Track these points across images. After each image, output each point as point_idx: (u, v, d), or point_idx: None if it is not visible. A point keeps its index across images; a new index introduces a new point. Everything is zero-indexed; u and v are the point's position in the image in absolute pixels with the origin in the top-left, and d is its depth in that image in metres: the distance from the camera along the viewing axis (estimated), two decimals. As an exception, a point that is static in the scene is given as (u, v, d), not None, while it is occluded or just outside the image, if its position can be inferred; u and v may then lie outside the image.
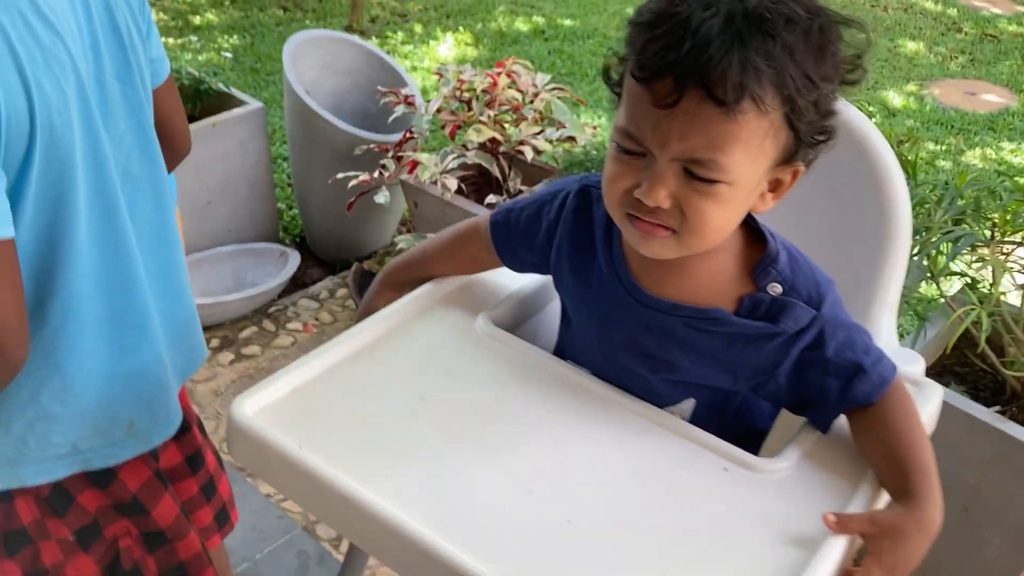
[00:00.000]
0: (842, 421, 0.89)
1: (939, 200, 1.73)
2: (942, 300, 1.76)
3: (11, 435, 0.96)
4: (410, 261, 1.07)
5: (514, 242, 0.99)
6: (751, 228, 0.87)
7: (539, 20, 4.78)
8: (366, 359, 0.96)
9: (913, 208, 1.76)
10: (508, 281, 1.08)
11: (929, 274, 1.72)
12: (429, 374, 0.95)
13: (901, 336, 1.74)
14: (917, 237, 1.71)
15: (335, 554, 1.88)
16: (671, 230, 0.78)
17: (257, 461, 0.87)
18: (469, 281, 1.07)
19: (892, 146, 1.74)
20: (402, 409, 0.90)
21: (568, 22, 4.78)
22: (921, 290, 1.73)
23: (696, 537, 0.79)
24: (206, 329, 2.44)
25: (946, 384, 1.67)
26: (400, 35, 4.48)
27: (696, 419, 0.92)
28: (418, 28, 4.59)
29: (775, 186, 0.82)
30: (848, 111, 1.04)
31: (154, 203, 1.03)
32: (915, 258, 1.72)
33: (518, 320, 1.06)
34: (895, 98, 3.96)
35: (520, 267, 1.02)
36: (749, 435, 0.97)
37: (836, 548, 0.77)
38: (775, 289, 0.85)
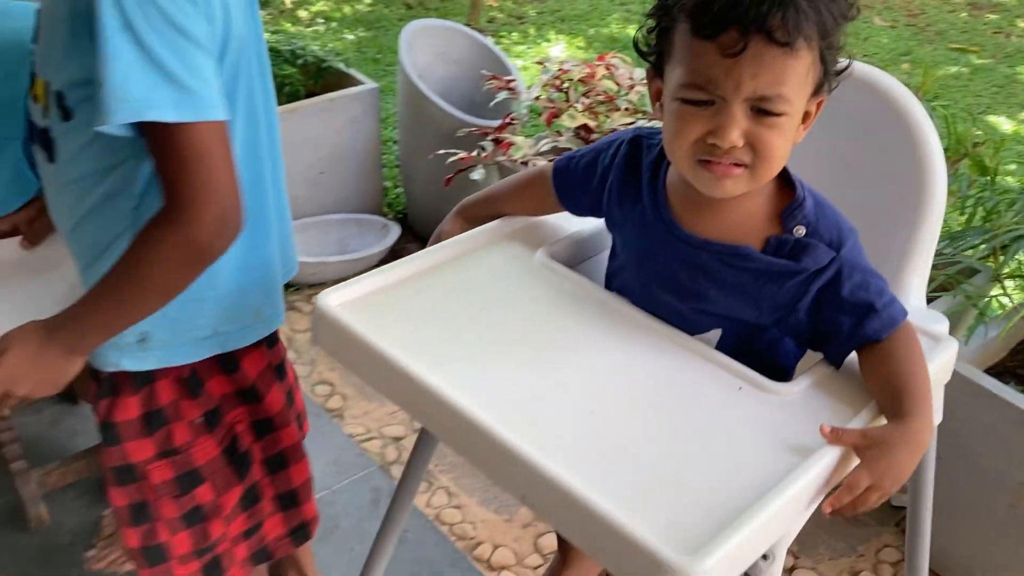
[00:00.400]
0: (853, 360, 0.99)
1: (1011, 203, 1.77)
2: (1007, 301, 1.80)
3: (167, 318, 1.11)
4: (483, 197, 1.21)
5: (573, 186, 1.11)
6: (782, 175, 0.97)
7: (651, 29, 4.88)
8: (435, 275, 1.10)
9: (987, 213, 1.81)
10: (568, 224, 1.20)
11: (995, 275, 1.76)
12: (487, 292, 1.08)
13: (967, 334, 1.78)
14: (986, 237, 1.76)
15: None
16: (744, 167, 0.89)
17: (335, 344, 1.02)
18: (533, 222, 1.20)
19: (967, 147, 1.80)
20: (461, 315, 1.04)
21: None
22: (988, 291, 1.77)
23: (703, 436, 0.90)
24: (310, 286, 2.65)
25: (1005, 383, 1.71)
26: (515, 35, 4.66)
27: (722, 350, 1.03)
28: (532, 30, 4.76)
29: (804, 117, 0.92)
30: (893, 85, 1.13)
31: (270, 117, 1.18)
32: (981, 259, 1.77)
33: (574, 260, 1.18)
34: (1006, 124, 3.91)
35: (577, 209, 1.14)
36: (773, 373, 1.07)
37: (827, 456, 0.86)
38: (800, 231, 0.95)
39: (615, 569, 0.80)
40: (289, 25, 4.57)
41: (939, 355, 1.03)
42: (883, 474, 0.85)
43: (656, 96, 0.96)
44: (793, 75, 0.85)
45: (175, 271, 1.02)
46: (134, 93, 0.91)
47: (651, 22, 0.93)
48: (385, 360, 0.96)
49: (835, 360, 0.99)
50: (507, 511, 2.00)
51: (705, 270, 0.99)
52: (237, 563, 1.37)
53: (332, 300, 1.03)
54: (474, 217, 1.20)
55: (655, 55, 0.94)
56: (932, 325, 1.07)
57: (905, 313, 0.96)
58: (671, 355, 1.00)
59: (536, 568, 1.91)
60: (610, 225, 1.09)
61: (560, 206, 1.15)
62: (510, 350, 1.00)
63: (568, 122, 2.30)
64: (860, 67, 1.16)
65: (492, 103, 2.59)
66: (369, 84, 2.84)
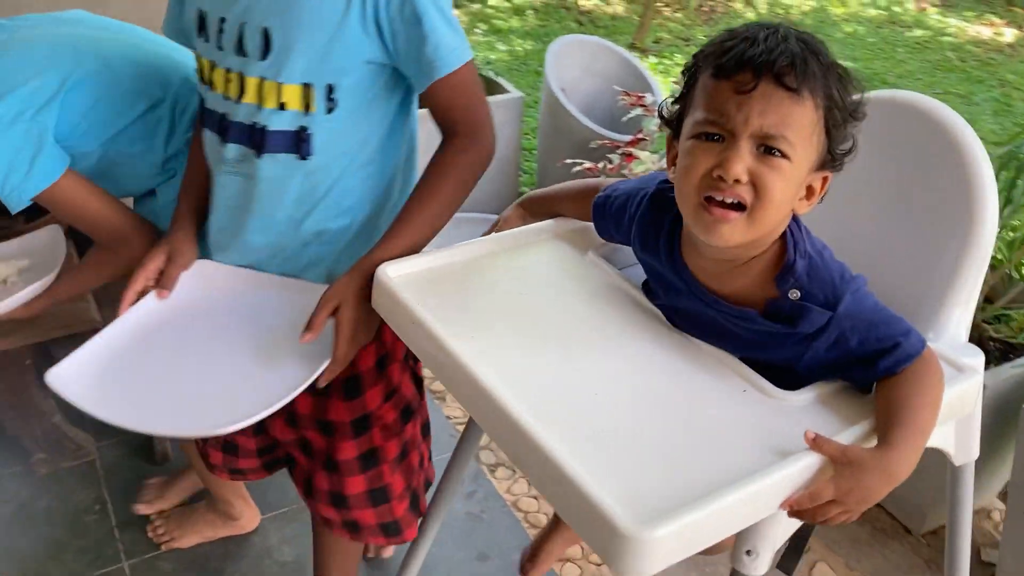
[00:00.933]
0: (871, 379, 1.01)
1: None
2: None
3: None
4: (545, 195, 1.30)
5: (607, 222, 1.19)
6: (784, 241, 1.01)
7: (819, 58, 4.80)
8: (489, 261, 1.21)
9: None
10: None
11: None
12: (532, 280, 1.18)
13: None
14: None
15: (488, 476, 2.16)
16: (742, 210, 0.94)
17: (388, 310, 1.15)
18: (588, 226, 1.28)
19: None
20: (501, 298, 1.15)
21: (849, 64, 4.73)
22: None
23: (693, 427, 0.96)
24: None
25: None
26: (677, 57, 4.71)
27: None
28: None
29: (810, 192, 0.98)
30: (942, 111, 1.14)
31: None
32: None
33: (623, 262, 1.25)
34: None
35: (609, 239, 1.22)
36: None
37: (803, 461, 0.90)
38: (794, 295, 0.99)
39: (578, 530, 0.88)
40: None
41: (958, 385, 1.04)
42: (848, 492, 0.88)
43: (672, 161, 1.02)
44: (797, 122, 0.91)
45: (469, 185, 1.26)
46: (452, 46, 1.18)
47: (678, 87, 1.02)
48: (423, 327, 1.07)
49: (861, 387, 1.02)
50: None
51: (716, 322, 1.05)
52: (423, 496, 1.54)
53: (391, 271, 1.16)
54: (534, 211, 1.29)
55: (676, 120, 1.01)
56: (964, 358, 1.08)
57: (922, 345, 0.98)
58: (687, 356, 1.06)
59: (600, 565, 1.97)
60: (641, 262, 1.15)
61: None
62: (536, 333, 1.09)
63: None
64: (908, 94, 1.18)
65: (624, 118, 2.67)
66: (514, 93, 2.98)
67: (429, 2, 1.16)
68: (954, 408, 1.05)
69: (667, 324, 1.10)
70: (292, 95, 1.20)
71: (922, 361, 0.97)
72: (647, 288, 1.15)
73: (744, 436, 0.96)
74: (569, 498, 0.87)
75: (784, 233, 1.01)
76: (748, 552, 1.02)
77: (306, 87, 1.20)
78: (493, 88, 3.01)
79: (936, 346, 1.08)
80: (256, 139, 1.24)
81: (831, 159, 0.97)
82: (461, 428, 2.28)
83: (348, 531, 1.48)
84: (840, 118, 0.95)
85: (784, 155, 0.92)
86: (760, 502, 0.89)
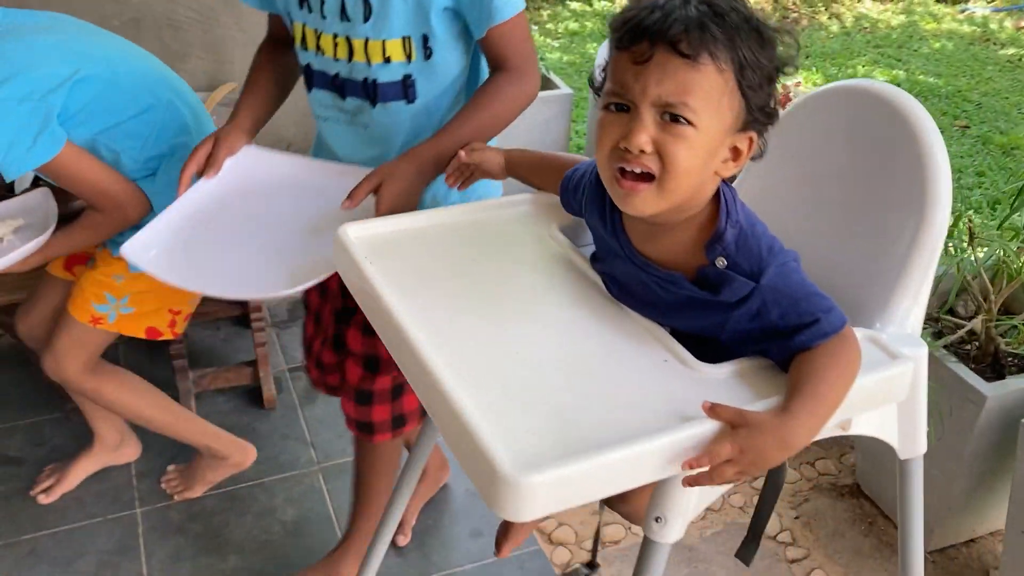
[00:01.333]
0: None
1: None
2: None
3: None
4: (529, 157, 1.34)
5: (568, 194, 1.22)
6: (718, 207, 1.02)
7: (899, 73, 4.69)
8: (453, 228, 1.25)
9: None
10: (591, 205, 1.30)
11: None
12: (490, 249, 1.21)
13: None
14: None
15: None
16: (651, 180, 0.96)
17: (345, 268, 1.20)
18: (556, 202, 1.30)
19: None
20: (455, 263, 1.18)
21: (931, 80, 4.63)
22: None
23: (603, 389, 0.97)
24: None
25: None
26: (750, 66, 4.66)
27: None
28: (772, 63, 4.72)
29: (736, 154, 0.98)
30: (901, 97, 1.13)
31: None
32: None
33: (584, 241, 1.27)
34: None
35: (571, 212, 1.24)
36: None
37: (697, 428, 0.90)
38: (721, 263, 1.00)
39: (468, 472, 0.92)
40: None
41: (887, 370, 1.02)
42: (744, 451, 0.89)
43: None
44: (698, 88, 0.91)
45: (512, 112, 1.43)
46: None
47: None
48: (370, 287, 1.12)
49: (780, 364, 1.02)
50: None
51: (647, 287, 1.07)
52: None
53: (351, 232, 1.21)
54: (513, 164, 1.34)
55: (599, 90, 1.02)
56: (903, 347, 1.06)
57: (841, 324, 0.98)
58: (616, 325, 1.08)
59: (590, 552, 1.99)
60: (589, 226, 1.18)
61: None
62: (476, 296, 1.12)
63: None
64: (867, 81, 1.18)
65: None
66: (564, 90, 3.02)
67: None
68: (881, 393, 1.04)
69: (606, 296, 1.12)
70: (395, 49, 1.40)
71: (839, 338, 0.97)
72: (594, 257, 1.18)
73: (654, 402, 0.97)
74: (462, 441, 0.91)
75: (718, 202, 1.02)
76: (657, 519, 1.03)
77: (405, 39, 1.39)
78: (544, 84, 3.06)
79: (875, 333, 1.08)
80: (370, 92, 1.44)
81: (753, 119, 0.96)
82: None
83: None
84: (756, 78, 0.93)
85: (688, 122, 0.93)
86: (648, 462, 0.90)
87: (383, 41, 1.39)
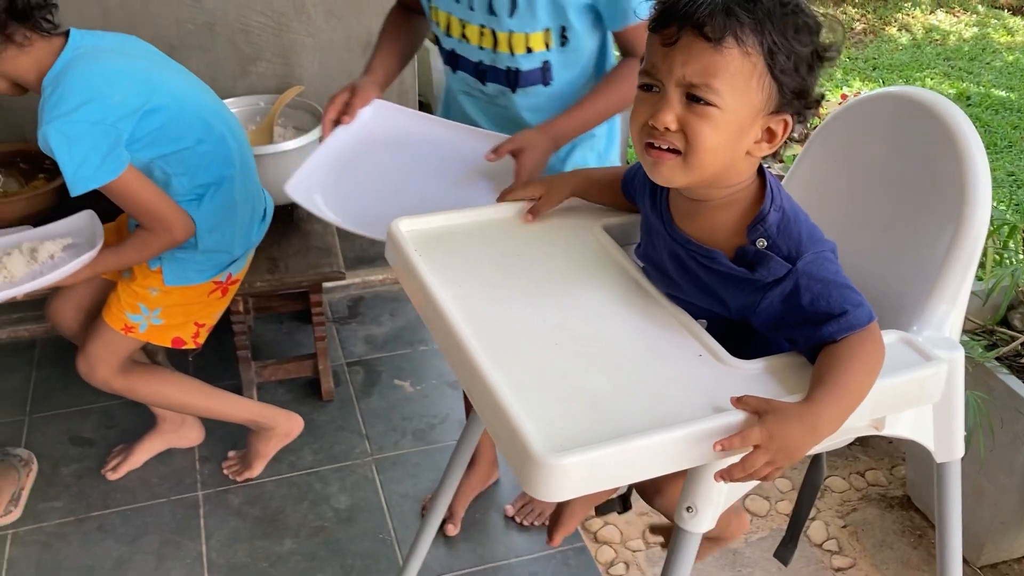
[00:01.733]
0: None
1: None
2: None
3: None
4: (592, 175, 1.36)
5: (628, 184, 1.27)
6: (763, 188, 1.05)
7: (969, 86, 4.60)
8: (500, 225, 1.30)
9: None
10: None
11: None
12: (534, 244, 1.26)
13: None
14: None
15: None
16: (677, 153, 1.00)
17: (394, 259, 1.26)
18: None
19: None
20: (499, 257, 1.23)
21: (1002, 93, 4.53)
22: None
23: (637, 380, 1.01)
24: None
25: None
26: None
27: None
28: (839, 74, 4.69)
29: (770, 136, 1.01)
30: (942, 104, 1.15)
31: None
32: None
33: (630, 239, 1.31)
34: None
35: (629, 199, 1.29)
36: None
37: (728, 418, 0.94)
38: (761, 243, 1.03)
39: (502, 451, 0.96)
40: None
41: (919, 371, 1.04)
42: (773, 436, 0.91)
43: None
44: (723, 71, 0.95)
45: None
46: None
47: None
48: (417, 276, 1.18)
49: (807, 356, 1.05)
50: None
51: (684, 265, 1.10)
52: None
53: (403, 226, 1.27)
54: (580, 191, 1.34)
55: None
56: (938, 349, 1.08)
57: (869, 319, 1.00)
58: (654, 319, 1.11)
59: (635, 552, 2.01)
60: (641, 219, 1.22)
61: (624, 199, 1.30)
62: (517, 287, 1.17)
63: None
64: (911, 89, 1.19)
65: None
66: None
67: None
68: (914, 393, 1.05)
69: (646, 292, 1.16)
70: (536, 40, 1.54)
71: (865, 332, 0.99)
72: (637, 248, 1.22)
73: (687, 394, 1.00)
74: (499, 423, 0.95)
75: (764, 186, 1.06)
76: (688, 508, 1.07)
77: (546, 31, 1.53)
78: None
79: (910, 335, 1.09)
80: (512, 79, 1.59)
81: (787, 102, 0.99)
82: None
83: None
84: (788, 62, 0.96)
85: (711, 103, 0.97)
86: (677, 449, 0.94)
87: (527, 34, 1.53)
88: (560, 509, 1.76)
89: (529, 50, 1.55)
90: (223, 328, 2.25)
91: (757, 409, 0.94)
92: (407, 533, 2.03)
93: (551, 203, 1.32)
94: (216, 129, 1.76)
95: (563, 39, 1.55)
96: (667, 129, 0.99)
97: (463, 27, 1.57)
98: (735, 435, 0.93)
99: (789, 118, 1.00)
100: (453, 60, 1.64)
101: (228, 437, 2.24)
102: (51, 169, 2.28)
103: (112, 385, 1.92)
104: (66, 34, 1.64)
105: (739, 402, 0.95)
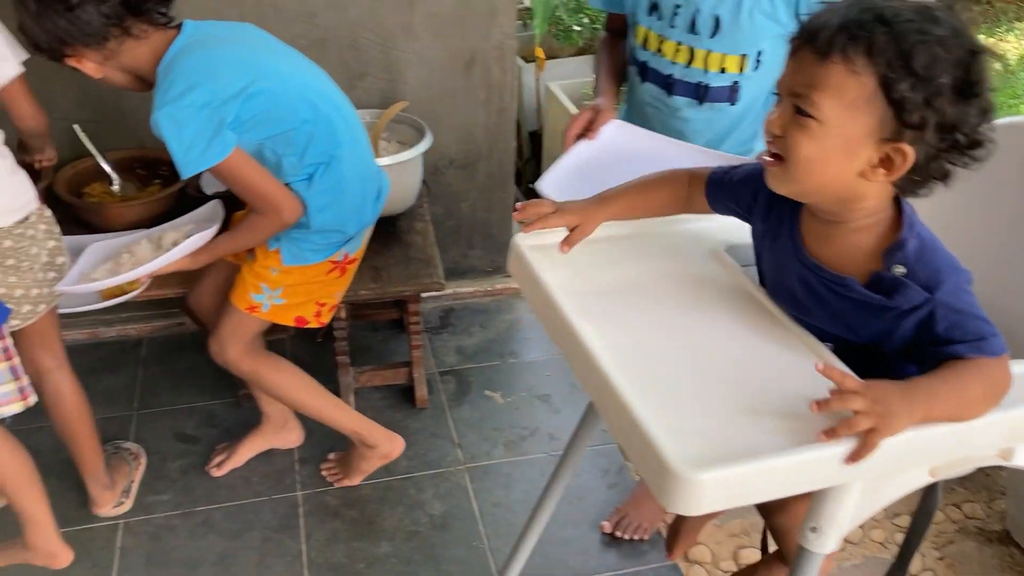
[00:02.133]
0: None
1: None
2: None
3: None
4: (626, 193, 1.32)
5: (724, 193, 1.25)
6: (899, 216, 1.06)
7: (1068, 113, 4.48)
8: (621, 241, 1.33)
9: None
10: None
11: None
12: (655, 262, 1.28)
13: None
14: None
15: (632, 474, 2.25)
16: (779, 161, 1.04)
17: (518, 275, 1.30)
18: (723, 222, 1.36)
19: None
20: (621, 272, 1.26)
21: (1103, 120, 4.40)
22: None
23: (770, 398, 1.03)
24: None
25: None
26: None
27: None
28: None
29: (887, 164, 1.00)
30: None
31: None
32: None
33: (744, 261, 1.33)
34: None
35: (721, 210, 1.27)
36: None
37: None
38: (898, 270, 1.04)
39: (638, 467, 0.99)
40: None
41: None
42: (876, 402, 0.93)
43: None
44: (824, 85, 0.97)
45: None
46: None
47: None
48: (544, 292, 1.21)
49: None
50: (723, 518, 2.12)
51: (814, 290, 1.12)
52: None
53: (525, 241, 1.31)
54: (614, 214, 1.31)
55: None
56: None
57: (1002, 351, 1.00)
58: (781, 340, 1.13)
59: (725, 573, 2.02)
60: (754, 235, 1.23)
61: (700, 205, 1.29)
62: (645, 304, 1.20)
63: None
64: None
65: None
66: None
67: None
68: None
69: (770, 312, 1.17)
70: (732, 62, 1.68)
71: (996, 361, 0.99)
72: (758, 267, 1.24)
73: (819, 416, 1.02)
74: (633, 437, 0.98)
75: (901, 212, 1.06)
76: (813, 529, 1.08)
77: (743, 56, 1.66)
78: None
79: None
80: (700, 93, 1.73)
81: (904, 130, 0.97)
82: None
83: None
84: (913, 92, 0.94)
85: (809, 114, 0.99)
86: (813, 470, 0.95)
87: (724, 55, 1.66)
88: (680, 524, 1.78)
89: (723, 70, 1.69)
90: (324, 333, 2.32)
91: (842, 383, 0.95)
92: (500, 542, 2.06)
93: (586, 232, 1.29)
94: (322, 110, 1.78)
95: (757, 63, 1.67)
96: (776, 136, 1.03)
97: (660, 42, 1.74)
98: (834, 398, 0.94)
99: (908, 148, 0.98)
100: (644, 72, 1.82)
101: (326, 440, 2.31)
102: (167, 175, 2.38)
103: (240, 366, 1.98)
104: (180, 26, 1.72)
105: (826, 370, 0.96)
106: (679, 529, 1.64)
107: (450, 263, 2.82)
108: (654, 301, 1.22)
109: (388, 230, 2.35)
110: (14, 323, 1.79)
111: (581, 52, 3.72)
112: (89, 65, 1.68)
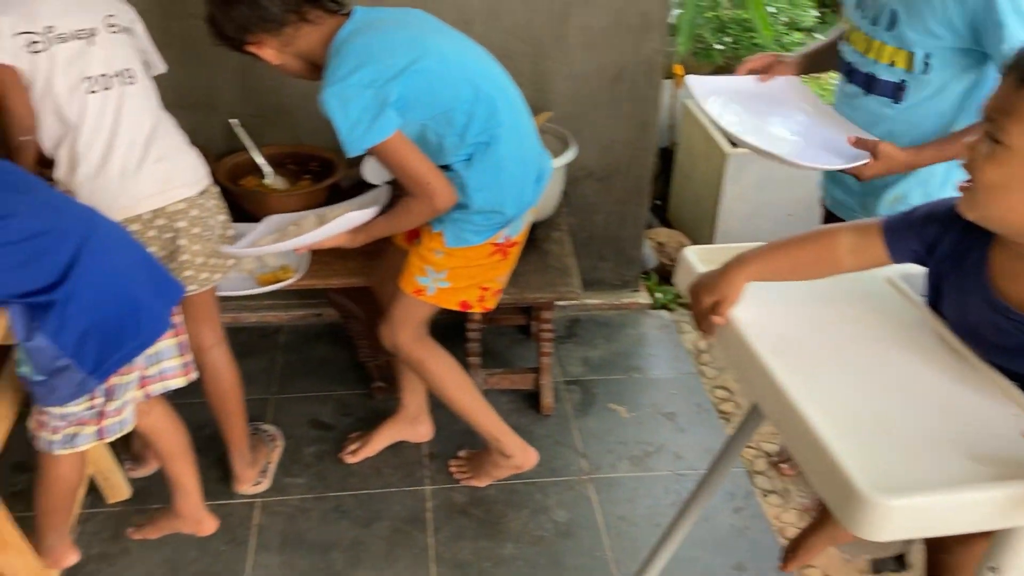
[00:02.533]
0: None
1: None
2: None
3: None
4: (775, 254, 1.23)
5: (905, 235, 1.18)
6: None
7: None
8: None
9: None
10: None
11: None
12: (831, 287, 1.27)
13: None
14: None
15: (759, 499, 2.22)
16: (969, 186, 1.04)
17: (686, 285, 1.31)
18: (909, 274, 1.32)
19: None
20: (804, 297, 1.25)
21: None
22: None
23: (959, 432, 1.02)
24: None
25: None
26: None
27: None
28: None
29: None
30: None
31: None
32: None
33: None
34: None
35: (901, 255, 1.19)
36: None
37: None
38: None
39: (820, 489, 0.98)
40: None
41: None
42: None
43: None
44: (1015, 111, 0.96)
45: None
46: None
47: None
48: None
49: None
50: (852, 553, 2.07)
51: (1002, 330, 1.09)
52: None
53: (694, 253, 1.32)
54: (762, 276, 1.24)
55: None
56: None
57: None
58: (965, 377, 1.11)
59: (855, 607, 1.97)
60: (934, 275, 1.19)
61: (861, 259, 1.22)
62: (831, 337, 1.19)
63: None
64: None
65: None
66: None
67: (1008, 4, 1.57)
68: None
69: (955, 350, 1.15)
70: (900, 57, 1.72)
71: None
72: (936, 305, 1.21)
73: (1004, 451, 1.00)
74: (819, 461, 0.98)
75: None
76: (992, 568, 1.05)
77: (911, 53, 1.70)
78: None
79: None
80: (868, 83, 1.79)
81: None
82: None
83: None
84: None
85: (997, 139, 0.98)
86: (1004, 507, 0.93)
87: (894, 48, 1.72)
88: (799, 541, 1.75)
89: (892, 63, 1.73)
90: (456, 334, 2.37)
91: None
92: (623, 555, 2.06)
93: (732, 301, 1.23)
94: (484, 90, 1.80)
95: (926, 66, 1.69)
96: (969, 160, 1.02)
97: (851, 32, 1.83)
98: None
99: None
100: (842, 61, 1.89)
101: (454, 437, 2.35)
102: (316, 171, 2.48)
103: (409, 351, 2.03)
104: (351, 12, 1.80)
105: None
106: (800, 545, 1.61)
107: (580, 274, 2.84)
108: (839, 331, 1.21)
109: (527, 237, 2.38)
110: (191, 288, 1.90)
111: (720, 71, 3.69)
112: (268, 52, 1.77)
